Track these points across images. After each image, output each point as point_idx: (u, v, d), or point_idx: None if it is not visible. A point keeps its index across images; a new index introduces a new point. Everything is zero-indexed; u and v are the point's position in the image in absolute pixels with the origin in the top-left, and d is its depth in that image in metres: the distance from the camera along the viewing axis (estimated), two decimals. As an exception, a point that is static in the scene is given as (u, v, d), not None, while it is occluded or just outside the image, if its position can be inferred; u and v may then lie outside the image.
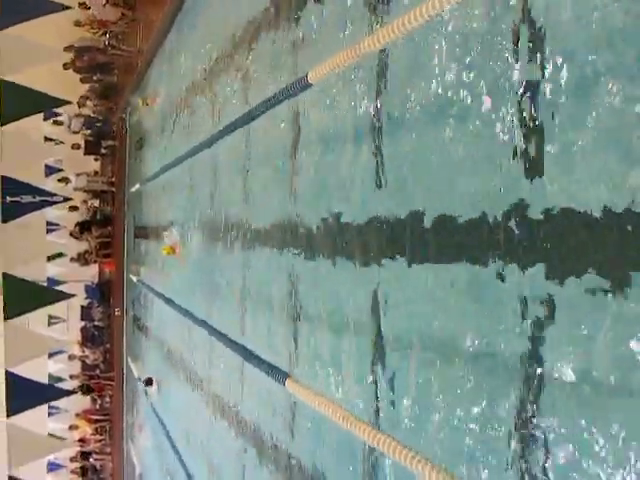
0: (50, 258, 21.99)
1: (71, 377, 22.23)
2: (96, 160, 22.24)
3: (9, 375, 18.94)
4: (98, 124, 21.18)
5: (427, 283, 4.01)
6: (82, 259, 21.86)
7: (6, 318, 18.69)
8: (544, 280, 3.03)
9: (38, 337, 20.48)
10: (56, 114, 21.28)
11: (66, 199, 21.44)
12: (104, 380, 21.90)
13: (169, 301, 11.70)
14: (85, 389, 21.87)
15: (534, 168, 3.11)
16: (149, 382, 14.35)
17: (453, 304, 3.75)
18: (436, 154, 3.93)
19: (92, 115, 21.17)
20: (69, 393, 21.73)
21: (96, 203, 22.07)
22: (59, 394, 21.66)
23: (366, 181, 4.70)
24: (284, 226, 6.40)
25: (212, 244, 9.53)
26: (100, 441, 21.99)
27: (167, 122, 13.65)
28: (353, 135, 5.00)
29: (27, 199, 19.92)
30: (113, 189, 21.76)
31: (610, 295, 2.70)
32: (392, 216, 4.36)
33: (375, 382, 4.55)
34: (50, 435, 22.01)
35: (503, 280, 3.30)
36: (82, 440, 22.10)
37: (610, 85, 2.72)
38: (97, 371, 22.16)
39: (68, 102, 19.98)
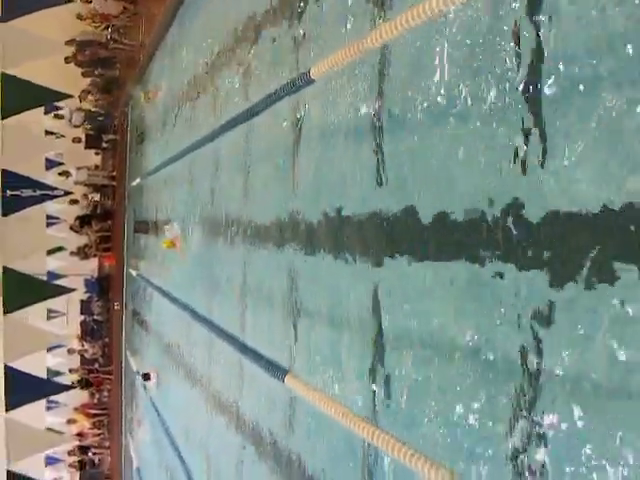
0: (50, 252, 22.02)
1: (70, 371, 22.26)
2: (97, 154, 22.24)
3: (8, 369, 18.98)
4: (99, 118, 21.18)
5: (426, 281, 4.01)
6: (82, 253, 21.88)
7: (5, 312, 18.72)
8: (542, 278, 3.03)
9: (37, 331, 20.53)
10: (57, 108, 21.29)
11: (67, 193, 21.50)
12: (103, 374, 21.93)
13: (169, 296, 11.71)
14: (84, 383, 21.89)
15: (533, 167, 3.11)
16: (147, 377, 14.35)
17: (452, 302, 3.75)
18: (436, 153, 3.93)
19: (93, 109, 21.16)
20: (68, 388, 21.78)
21: (96, 197, 22.07)
22: (58, 389, 21.71)
23: (367, 178, 4.70)
24: (284, 222, 6.40)
25: (213, 239, 9.53)
26: (98, 435, 22.03)
27: (168, 116, 13.64)
28: (354, 132, 5.00)
29: (27, 193, 19.96)
30: (114, 183, 21.77)
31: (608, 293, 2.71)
32: (392, 213, 4.36)
33: (374, 379, 4.55)
34: (48, 429, 22.07)
35: (502, 278, 3.30)
36: (80, 434, 22.13)
37: (611, 87, 2.73)
38: (96, 365, 22.18)
39: (69, 96, 20.01)
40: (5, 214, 19.62)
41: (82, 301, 22.67)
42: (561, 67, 2.98)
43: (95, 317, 22.32)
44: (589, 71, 2.85)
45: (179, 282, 11.90)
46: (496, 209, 3.35)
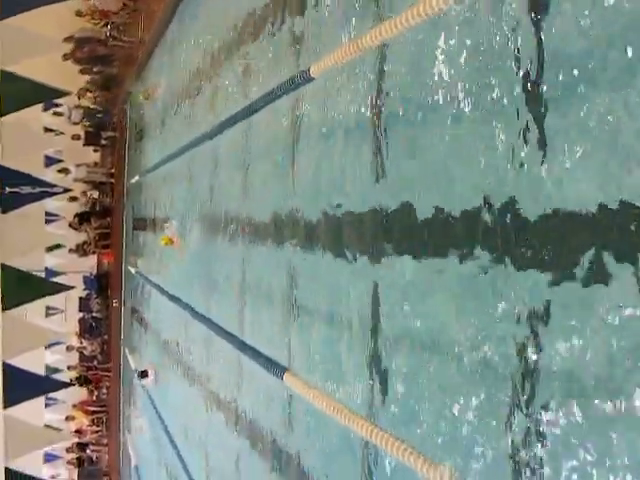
0: (49, 249, 22.00)
1: (69, 368, 22.25)
2: (96, 151, 22.22)
3: (6, 366, 18.95)
4: (98, 115, 21.16)
5: (425, 278, 4.01)
6: (81, 250, 21.86)
7: (4, 309, 18.70)
8: (540, 276, 3.04)
9: (36, 328, 20.50)
10: (56, 105, 21.26)
11: (66, 190, 21.46)
12: (101, 371, 21.92)
13: (167, 293, 11.70)
14: (82, 380, 21.89)
15: (532, 167, 3.11)
16: (144, 374, 14.32)
17: (452, 299, 3.75)
18: (435, 151, 3.93)
19: (92, 106, 21.14)
20: (66, 385, 21.77)
21: (95, 194, 22.05)
22: (56, 386, 21.70)
23: (366, 176, 4.70)
24: (283, 219, 6.40)
25: (212, 236, 9.53)
26: (97, 432, 22.02)
27: (168, 113, 13.63)
28: (353, 130, 5.00)
29: (26, 190, 19.93)
30: (112, 180, 21.75)
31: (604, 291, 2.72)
32: (391, 210, 4.36)
33: (373, 376, 4.55)
34: (47, 426, 22.05)
35: (500, 275, 3.31)
36: (79, 431, 22.12)
37: (610, 88, 2.73)
38: (94, 362, 22.17)
39: (68, 93, 19.97)
40: (4, 211, 19.59)
41: (81, 298, 22.65)
42: (561, 67, 2.98)
43: (94, 314, 22.31)
44: (589, 71, 2.85)
45: (178, 280, 11.90)
46: (494, 208, 3.36)
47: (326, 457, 5.37)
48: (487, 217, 3.41)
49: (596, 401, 2.76)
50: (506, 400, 3.23)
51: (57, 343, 22.34)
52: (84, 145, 21.66)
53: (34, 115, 20.67)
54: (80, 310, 22.64)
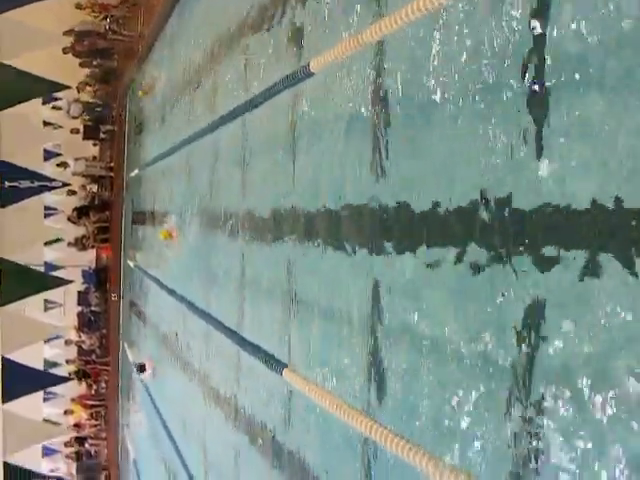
0: (48, 243, 22.02)
1: (67, 362, 22.28)
2: (95, 145, 22.21)
3: (5, 361, 18.98)
4: (97, 109, 21.14)
5: (424, 274, 4.01)
6: (80, 244, 21.87)
7: (2, 303, 18.72)
8: (534, 268, 3.06)
9: (34, 323, 20.52)
10: (55, 99, 21.24)
11: (64, 184, 21.46)
12: (100, 365, 21.94)
13: (166, 287, 11.70)
14: (81, 375, 21.91)
15: (530, 166, 3.12)
16: (142, 368, 14.33)
17: (449, 294, 3.76)
18: (435, 148, 3.93)
19: (91, 100, 21.12)
20: (65, 379, 21.80)
21: (94, 188, 22.05)
22: (55, 380, 21.72)
23: (365, 172, 4.69)
24: (283, 214, 6.40)
25: (211, 231, 9.52)
26: (95, 426, 22.05)
27: (167, 108, 13.62)
28: (354, 125, 4.99)
29: (25, 184, 19.94)
30: (111, 174, 21.75)
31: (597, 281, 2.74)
32: (390, 207, 4.36)
33: (372, 372, 4.55)
34: (45, 421, 22.09)
35: (498, 270, 3.32)
36: (77, 425, 22.16)
37: (610, 88, 2.73)
38: (93, 356, 22.19)
39: (67, 87, 19.94)
40: (3, 205, 19.60)
41: (79, 292, 22.67)
42: (560, 67, 2.98)
43: (92, 308, 22.33)
44: (588, 71, 2.85)
45: (177, 274, 11.90)
46: (491, 204, 3.37)
47: (326, 452, 5.37)
48: (484, 213, 3.42)
49: (591, 393, 2.77)
50: (505, 393, 3.24)
51: (56, 337, 22.38)
52: (83, 139, 21.65)
53: (33, 109, 20.66)
54: (79, 304, 22.66)
